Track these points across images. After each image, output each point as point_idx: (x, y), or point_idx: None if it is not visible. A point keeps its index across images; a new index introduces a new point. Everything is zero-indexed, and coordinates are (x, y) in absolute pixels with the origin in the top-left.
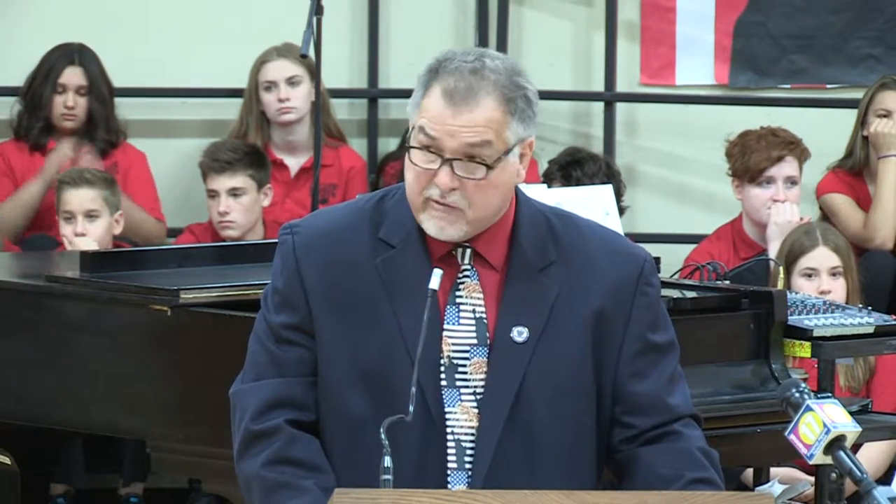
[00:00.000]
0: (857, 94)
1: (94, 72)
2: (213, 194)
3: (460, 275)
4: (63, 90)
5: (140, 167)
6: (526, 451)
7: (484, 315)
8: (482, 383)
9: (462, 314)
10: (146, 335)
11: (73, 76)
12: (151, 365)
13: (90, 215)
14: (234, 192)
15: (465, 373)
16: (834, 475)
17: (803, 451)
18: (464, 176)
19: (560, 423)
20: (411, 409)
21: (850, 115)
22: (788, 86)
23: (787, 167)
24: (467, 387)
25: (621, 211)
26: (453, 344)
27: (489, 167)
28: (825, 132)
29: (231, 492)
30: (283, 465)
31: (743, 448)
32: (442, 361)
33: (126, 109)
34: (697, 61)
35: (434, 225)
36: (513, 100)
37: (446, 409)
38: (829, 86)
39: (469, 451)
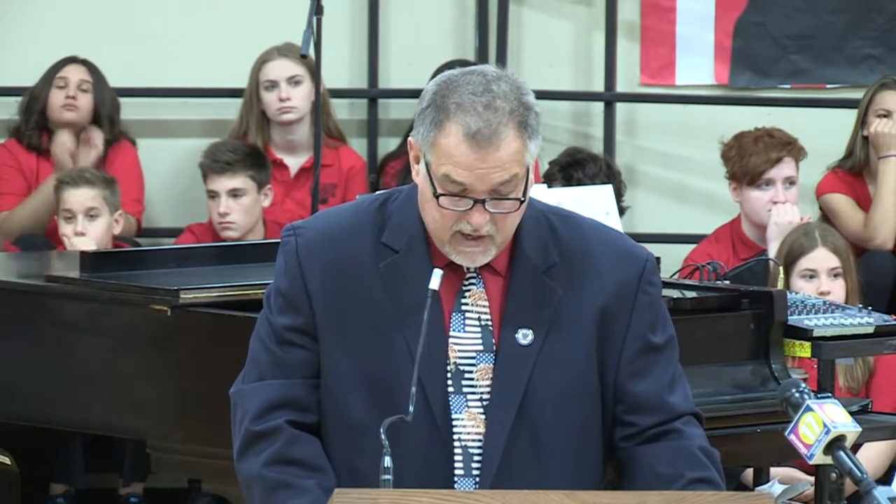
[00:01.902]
0: (857, 94)
1: (99, 75)
2: (213, 195)
3: (466, 282)
4: (64, 84)
5: (129, 160)
6: (533, 455)
7: (490, 322)
8: (488, 389)
9: (468, 321)
10: (146, 335)
11: (75, 71)
12: (151, 365)
13: (90, 215)
14: (235, 193)
15: (471, 379)
16: (834, 475)
17: (803, 451)
18: (496, 211)
19: (566, 426)
20: (411, 408)
21: (850, 115)
22: (788, 86)
23: (786, 168)
24: (474, 393)
25: (621, 211)
26: (459, 351)
27: (521, 200)
28: (825, 132)
29: (231, 492)
30: (283, 465)
31: (743, 448)
32: (448, 368)
33: (126, 109)
34: (697, 61)
35: (465, 258)
36: (527, 124)
37: (453, 416)
38: (829, 86)
39: (476, 458)
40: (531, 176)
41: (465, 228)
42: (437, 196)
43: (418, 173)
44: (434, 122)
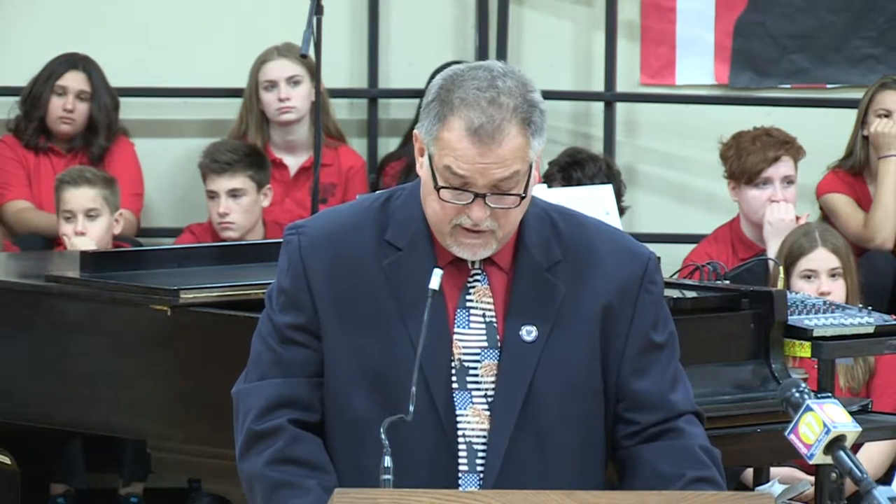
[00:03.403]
0: (857, 94)
1: (98, 80)
2: (212, 195)
3: (470, 278)
4: (63, 92)
5: (126, 156)
6: (537, 451)
7: (494, 319)
8: (493, 385)
9: (472, 317)
10: (146, 335)
11: (74, 80)
12: (151, 365)
13: (90, 214)
14: (234, 194)
15: (476, 375)
16: (834, 475)
17: (803, 451)
18: (497, 206)
19: (570, 423)
20: (411, 408)
21: (850, 115)
22: (788, 86)
23: (784, 167)
24: (479, 389)
25: (621, 211)
26: (464, 347)
27: (522, 196)
28: (825, 132)
29: (231, 491)
30: (285, 465)
31: (743, 448)
32: (453, 364)
33: (126, 109)
34: (697, 61)
35: (465, 250)
36: (531, 121)
37: (458, 412)
38: (829, 86)
39: (480, 454)
40: (534, 172)
41: (465, 222)
42: (438, 188)
43: (422, 165)
44: (438, 115)
